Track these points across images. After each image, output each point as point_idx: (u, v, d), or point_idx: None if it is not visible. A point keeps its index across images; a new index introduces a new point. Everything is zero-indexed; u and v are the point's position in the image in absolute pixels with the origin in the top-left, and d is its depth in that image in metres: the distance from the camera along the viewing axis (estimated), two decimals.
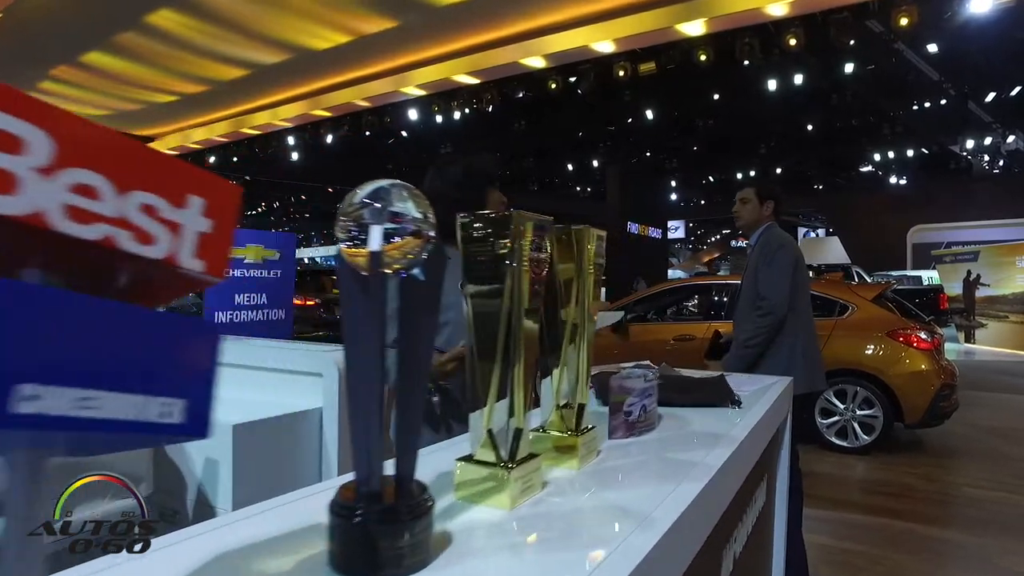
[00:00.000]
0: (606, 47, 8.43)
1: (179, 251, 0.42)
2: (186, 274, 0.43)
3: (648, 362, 1.70)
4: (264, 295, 4.75)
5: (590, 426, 0.94)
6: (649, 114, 12.70)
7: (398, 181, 0.57)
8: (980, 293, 12.84)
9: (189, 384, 0.41)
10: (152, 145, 11.81)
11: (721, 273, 18.44)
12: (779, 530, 1.67)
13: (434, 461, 0.88)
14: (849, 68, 10.08)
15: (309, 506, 0.72)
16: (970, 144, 16.32)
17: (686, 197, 26.58)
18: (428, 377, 0.63)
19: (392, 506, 0.57)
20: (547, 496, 0.78)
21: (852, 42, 8.01)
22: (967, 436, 5.50)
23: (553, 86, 9.44)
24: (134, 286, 0.41)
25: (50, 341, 0.36)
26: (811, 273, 6.79)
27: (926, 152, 18.14)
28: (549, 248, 0.77)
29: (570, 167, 19.35)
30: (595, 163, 18.63)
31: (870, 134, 15.88)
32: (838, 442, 5.00)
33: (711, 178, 21.84)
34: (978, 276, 12.88)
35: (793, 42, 7.78)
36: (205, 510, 2.36)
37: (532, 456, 0.78)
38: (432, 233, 0.56)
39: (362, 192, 0.56)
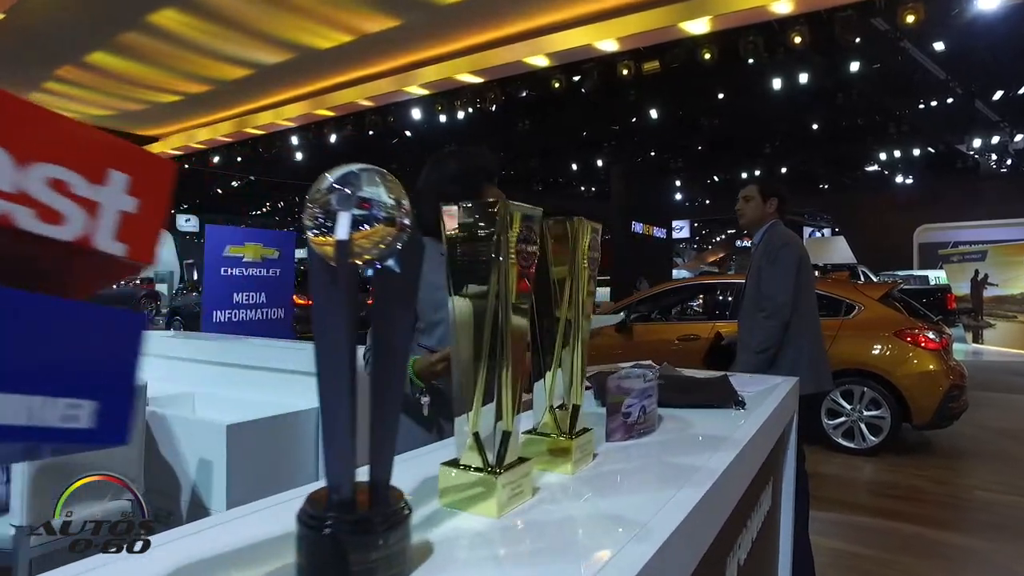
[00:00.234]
0: (610, 46, 8.38)
1: (95, 232, 0.38)
2: (106, 259, 0.38)
3: (650, 362, 1.66)
4: (263, 294, 4.71)
5: (585, 428, 0.90)
6: (653, 113, 12.64)
7: (371, 166, 0.53)
8: (988, 293, 12.74)
9: (101, 384, 0.36)
10: (156, 145, 11.89)
11: (729, 272, 18.37)
12: (785, 535, 1.62)
13: (425, 464, 0.84)
14: (855, 66, 9.99)
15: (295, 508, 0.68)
16: (977, 143, 16.20)
17: (690, 197, 26.48)
18: (405, 376, 0.59)
19: (365, 515, 0.53)
20: (538, 503, 0.74)
21: (857, 40, 7.93)
22: (977, 438, 5.42)
23: (557, 85, 9.39)
24: (45, 273, 0.37)
25: None
26: (816, 273, 6.73)
27: (932, 151, 18.01)
28: (539, 240, 0.73)
29: (574, 167, 19.29)
30: (599, 163, 18.57)
31: (876, 133, 15.76)
32: (845, 443, 4.94)
33: (716, 178, 21.73)
34: (986, 276, 12.78)
35: (798, 40, 7.71)
36: (199, 511, 2.33)
37: (522, 460, 0.73)
38: (407, 221, 0.52)
39: (331, 177, 0.52)
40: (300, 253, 5.97)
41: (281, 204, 29.22)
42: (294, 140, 12.68)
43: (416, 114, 11.08)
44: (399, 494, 0.56)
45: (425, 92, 10.27)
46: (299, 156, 13.96)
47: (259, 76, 9.83)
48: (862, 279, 14.31)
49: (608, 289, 16.15)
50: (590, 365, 1.46)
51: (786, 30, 7.78)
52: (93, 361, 0.36)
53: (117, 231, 0.38)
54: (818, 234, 28.28)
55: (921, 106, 13.83)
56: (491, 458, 0.70)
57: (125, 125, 12.52)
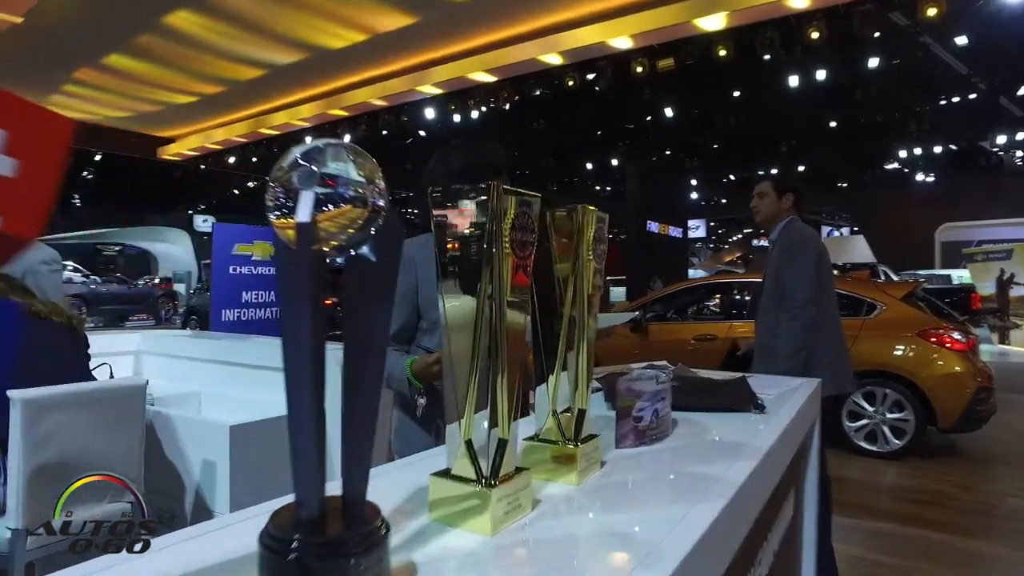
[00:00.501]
0: (624, 43, 8.29)
1: None
2: None
3: (664, 362, 1.59)
4: (272, 293, 4.69)
5: (592, 434, 0.83)
6: (668, 111, 12.50)
7: (342, 141, 0.47)
8: (1014, 293, 12.46)
9: None
10: (172, 146, 11.98)
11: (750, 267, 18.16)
12: (808, 546, 1.54)
13: (417, 472, 0.77)
14: (873, 62, 9.78)
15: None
16: (1001, 139, 15.83)
17: (706, 196, 26.23)
18: (382, 377, 0.53)
19: (337, 536, 0.47)
20: (538, 518, 0.67)
21: (876, 35, 7.77)
22: (1005, 442, 5.26)
23: (570, 83, 9.31)
24: None
25: None
26: (836, 272, 6.59)
27: (954, 148, 17.65)
28: (539, 230, 0.66)
29: (589, 166, 19.16)
30: (614, 161, 18.42)
31: (896, 130, 15.46)
32: (867, 446, 4.81)
33: (732, 176, 21.49)
34: (1012, 275, 12.51)
35: (815, 36, 7.56)
36: (202, 513, 2.29)
37: (520, 471, 0.67)
38: (380, 203, 0.45)
39: (296, 152, 0.46)
40: None
41: None
42: (308, 140, 12.66)
43: (430, 114, 11.06)
44: (375, 511, 0.50)
45: (438, 91, 10.25)
46: None
47: (273, 76, 9.87)
48: (882, 278, 14.05)
49: (624, 289, 16.08)
50: (602, 365, 1.39)
51: (803, 25, 7.63)
52: None
53: None
54: (836, 233, 27.88)
55: (943, 102, 13.55)
56: (485, 468, 0.63)
57: (142, 126, 12.66)
